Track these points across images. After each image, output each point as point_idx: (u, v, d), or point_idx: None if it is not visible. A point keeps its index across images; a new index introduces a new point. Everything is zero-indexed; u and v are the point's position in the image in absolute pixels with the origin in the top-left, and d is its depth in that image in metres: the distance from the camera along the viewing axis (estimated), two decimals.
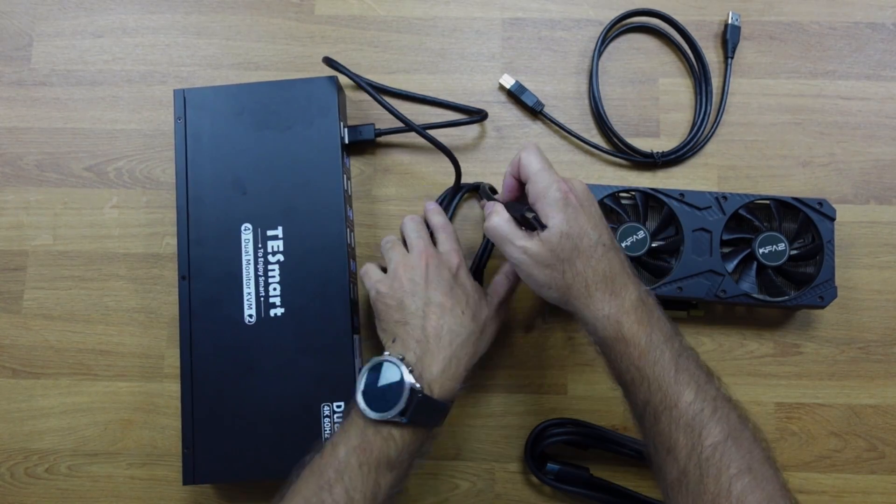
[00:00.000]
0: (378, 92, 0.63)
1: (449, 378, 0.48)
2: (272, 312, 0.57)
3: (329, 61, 0.60)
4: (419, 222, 0.57)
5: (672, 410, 0.43)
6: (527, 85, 0.64)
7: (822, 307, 0.57)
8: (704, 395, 0.44)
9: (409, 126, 0.59)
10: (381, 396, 0.46)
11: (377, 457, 0.45)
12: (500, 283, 0.56)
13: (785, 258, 0.56)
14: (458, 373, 0.49)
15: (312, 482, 0.45)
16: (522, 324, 0.62)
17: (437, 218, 0.58)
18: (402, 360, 0.47)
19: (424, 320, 0.49)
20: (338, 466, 0.45)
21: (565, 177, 0.49)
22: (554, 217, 0.47)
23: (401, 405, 0.45)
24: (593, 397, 0.61)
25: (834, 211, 0.57)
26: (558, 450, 0.60)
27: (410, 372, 0.47)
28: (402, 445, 0.46)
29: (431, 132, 0.60)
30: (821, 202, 0.57)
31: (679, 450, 0.43)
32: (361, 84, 0.60)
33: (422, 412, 0.46)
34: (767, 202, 0.58)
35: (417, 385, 0.46)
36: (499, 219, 0.49)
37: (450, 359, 0.49)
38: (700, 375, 0.45)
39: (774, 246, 0.56)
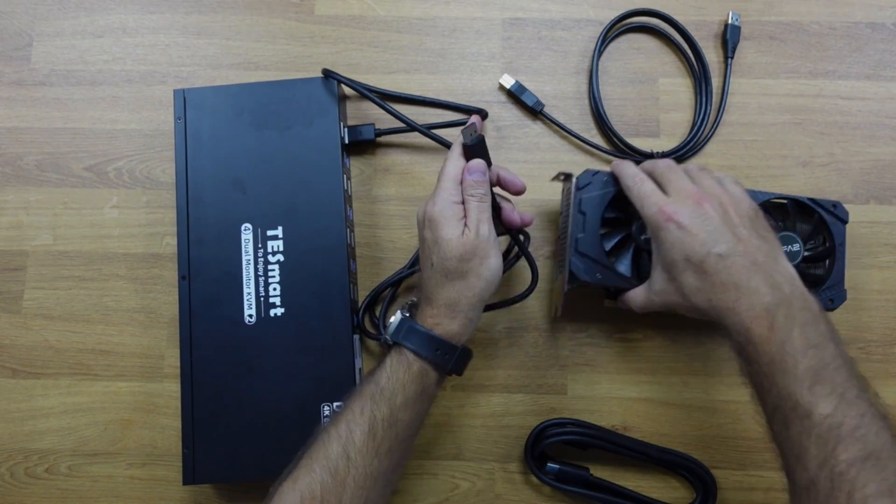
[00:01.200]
0: (378, 95, 0.63)
1: (432, 315, 0.49)
2: (272, 312, 0.57)
3: (328, 72, 0.60)
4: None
5: (804, 420, 0.41)
6: (527, 85, 0.64)
7: (832, 310, 0.56)
8: (848, 409, 0.41)
9: (415, 128, 0.60)
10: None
11: (371, 390, 0.47)
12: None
13: (799, 259, 0.55)
14: (441, 311, 0.48)
15: (331, 423, 0.48)
16: (523, 324, 0.62)
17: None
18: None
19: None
20: (345, 406, 0.49)
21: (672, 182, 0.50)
22: (654, 269, 0.50)
23: (393, 326, 0.49)
24: (593, 397, 0.61)
25: (847, 214, 0.56)
26: (558, 450, 0.60)
27: (411, 306, 0.51)
28: (389, 371, 0.48)
29: (437, 132, 0.61)
30: (835, 204, 0.57)
31: (809, 459, 0.41)
32: (363, 92, 0.60)
33: (403, 332, 0.49)
34: (784, 201, 0.57)
35: (406, 313, 0.50)
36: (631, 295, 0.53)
37: (429, 299, 0.49)
38: (849, 388, 0.42)
39: (790, 246, 0.55)
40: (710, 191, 0.49)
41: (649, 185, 0.50)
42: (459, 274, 0.48)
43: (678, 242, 0.47)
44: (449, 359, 0.48)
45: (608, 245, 0.55)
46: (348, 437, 0.46)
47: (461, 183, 0.49)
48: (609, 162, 0.64)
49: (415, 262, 0.62)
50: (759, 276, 0.45)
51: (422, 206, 0.50)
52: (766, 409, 0.45)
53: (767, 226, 0.49)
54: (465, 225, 0.48)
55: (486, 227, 0.48)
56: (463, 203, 0.49)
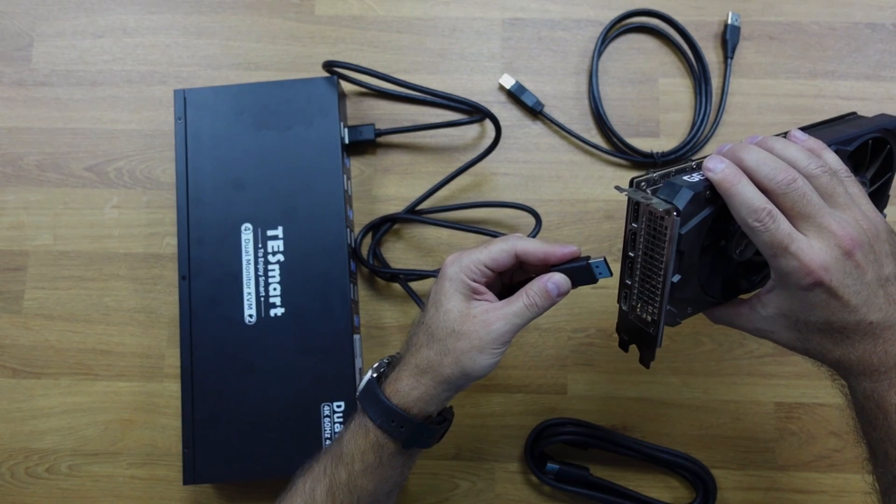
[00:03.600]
0: (378, 85, 0.63)
1: (398, 377, 0.44)
2: (272, 312, 0.57)
3: (330, 64, 0.60)
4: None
5: None
6: (527, 85, 0.64)
7: None
8: None
9: (429, 93, 0.59)
10: None
11: (334, 450, 0.46)
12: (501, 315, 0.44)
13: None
14: (407, 373, 0.44)
15: (302, 474, 0.47)
16: None
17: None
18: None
19: None
20: (316, 459, 0.47)
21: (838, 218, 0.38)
22: (764, 306, 0.41)
23: (361, 384, 0.46)
24: (593, 397, 0.61)
25: None
26: (558, 450, 0.60)
27: (388, 363, 0.47)
28: (350, 434, 0.45)
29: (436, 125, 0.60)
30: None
31: None
32: (369, 72, 0.61)
33: (364, 394, 0.45)
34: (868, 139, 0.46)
35: (375, 374, 0.46)
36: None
37: (405, 356, 0.45)
38: None
39: None
40: (854, 226, 0.38)
41: (783, 227, 0.38)
42: (441, 346, 0.43)
43: (821, 307, 0.38)
44: (404, 432, 0.43)
45: (702, 274, 0.43)
46: (311, 495, 0.45)
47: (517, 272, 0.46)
48: (608, 162, 0.64)
49: (417, 205, 0.62)
50: None
51: (453, 255, 0.45)
52: (884, 477, 0.40)
53: None
54: (479, 301, 0.44)
55: (503, 328, 0.42)
56: (476, 282, 0.44)
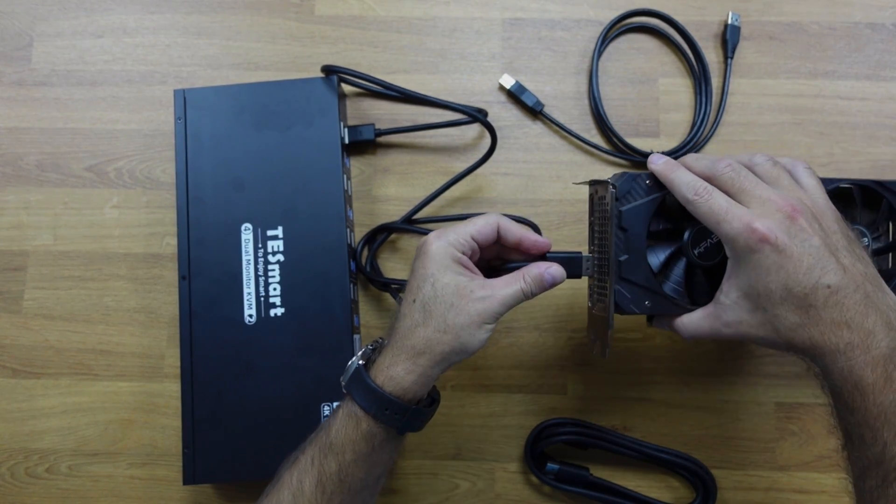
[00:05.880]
0: (377, 88, 0.63)
1: (390, 363, 0.43)
2: (272, 312, 0.57)
3: (328, 68, 0.60)
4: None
5: None
6: (527, 85, 0.64)
7: None
8: None
9: (429, 101, 0.60)
10: None
11: (322, 440, 0.45)
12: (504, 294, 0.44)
13: (868, 255, 0.45)
14: (401, 359, 0.43)
15: (288, 465, 0.46)
16: (523, 324, 0.62)
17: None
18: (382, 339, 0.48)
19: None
20: (301, 450, 0.46)
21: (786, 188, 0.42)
22: (727, 295, 0.42)
23: (348, 371, 0.45)
24: (593, 397, 0.61)
25: None
26: (558, 450, 0.60)
27: (373, 349, 0.47)
28: (339, 424, 0.44)
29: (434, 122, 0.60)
30: None
31: None
32: (365, 77, 0.60)
33: (353, 383, 0.44)
34: (848, 187, 0.49)
35: (362, 362, 0.45)
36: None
37: (395, 341, 0.44)
38: None
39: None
40: (795, 198, 0.40)
41: (721, 198, 0.41)
42: (439, 322, 0.43)
43: (775, 269, 0.39)
44: (399, 419, 0.43)
45: (656, 263, 0.46)
46: (298, 487, 0.44)
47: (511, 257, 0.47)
48: (610, 163, 0.64)
49: (414, 214, 0.62)
50: (874, 315, 0.39)
51: (434, 232, 0.45)
52: (858, 462, 0.40)
53: (858, 240, 0.42)
54: (472, 276, 0.44)
55: (497, 307, 0.43)
56: (464, 254, 0.44)
